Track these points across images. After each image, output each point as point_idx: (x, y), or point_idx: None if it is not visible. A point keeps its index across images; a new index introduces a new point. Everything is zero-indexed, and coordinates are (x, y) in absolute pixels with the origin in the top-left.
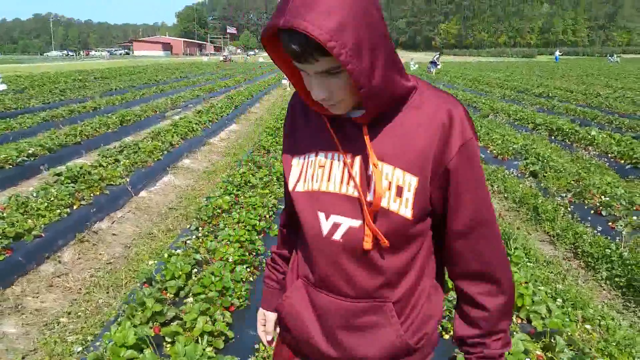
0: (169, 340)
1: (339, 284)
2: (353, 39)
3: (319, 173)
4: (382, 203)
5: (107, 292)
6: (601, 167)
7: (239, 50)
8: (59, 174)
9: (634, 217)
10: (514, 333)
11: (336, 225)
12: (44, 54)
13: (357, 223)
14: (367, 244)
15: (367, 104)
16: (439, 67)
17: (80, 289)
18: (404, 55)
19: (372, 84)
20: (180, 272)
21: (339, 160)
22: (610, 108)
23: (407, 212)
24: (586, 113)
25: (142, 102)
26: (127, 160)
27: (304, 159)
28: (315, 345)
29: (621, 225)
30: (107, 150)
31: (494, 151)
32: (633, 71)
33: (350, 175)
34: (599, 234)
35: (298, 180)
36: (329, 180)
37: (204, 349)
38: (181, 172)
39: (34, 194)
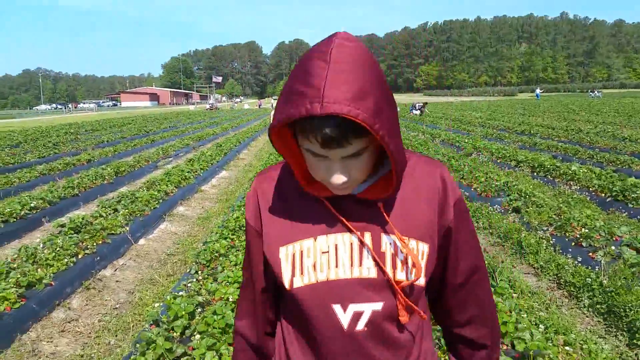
0: None
1: None
2: (388, 118)
3: (322, 260)
4: (402, 276)
5: (116, 335)
6: (582, 201)
7: (224, 98)
8: (62, 225)
9: (612, 247)
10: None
11: (357, 314)
12: (34, 108)
13: (379, 305)
14: (404, 318)
15: (398, 179)
16: (417, 113)
17: (90, 333)
18: None
19: (404, 160)
20: (184, 312)
21: (343, 242)
22: (592, 143)
23: (421, 280)
24: (567, 149)
25: (134, 152)
26: (126, 210)
27: (294, 247)
28: None
29: (600, 255)
30: (106, 200)
31: (478, 189)
32: (613, 105)
33: (360, 256)
34: (580, 264)
35: (294, 275)
36: (336, 266)
37: None
38: (177, 220)
39: (41, 245)
